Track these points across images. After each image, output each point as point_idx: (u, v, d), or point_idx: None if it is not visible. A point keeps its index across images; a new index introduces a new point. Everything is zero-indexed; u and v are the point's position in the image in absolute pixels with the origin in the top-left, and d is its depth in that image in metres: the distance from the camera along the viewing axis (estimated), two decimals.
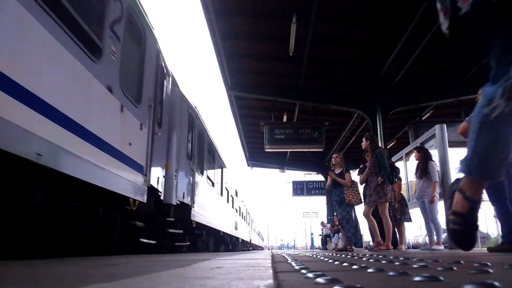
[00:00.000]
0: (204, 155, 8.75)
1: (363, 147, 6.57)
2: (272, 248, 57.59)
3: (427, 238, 7.11)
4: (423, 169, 6.54)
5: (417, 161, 6.77)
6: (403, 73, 9.36)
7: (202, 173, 8.29)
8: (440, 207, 6.64)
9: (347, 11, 7.60)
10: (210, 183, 9.50)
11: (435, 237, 6.60)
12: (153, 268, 1.80)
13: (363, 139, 6.57)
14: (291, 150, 14.53)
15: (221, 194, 11.54)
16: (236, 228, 15.69)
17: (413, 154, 7.13)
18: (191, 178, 7.21)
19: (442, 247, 6.61)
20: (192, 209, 7.07)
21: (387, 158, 6.64)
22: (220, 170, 11.52)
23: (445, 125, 6.87)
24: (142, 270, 1.67)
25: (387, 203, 6.02)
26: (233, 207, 14.98)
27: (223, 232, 11.91)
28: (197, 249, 8.67)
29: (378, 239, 6.16)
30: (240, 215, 18.07)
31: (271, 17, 7.87)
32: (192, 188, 7.22)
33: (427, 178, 6.48)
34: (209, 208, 9.10)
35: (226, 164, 12.99)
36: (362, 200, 6.61)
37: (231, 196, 14.59)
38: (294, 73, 10.03)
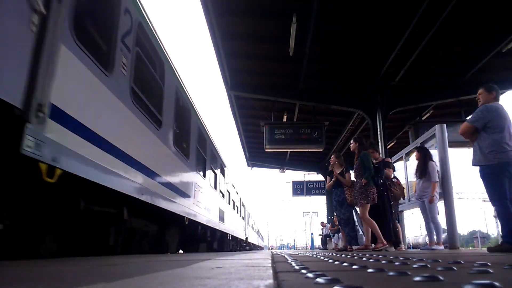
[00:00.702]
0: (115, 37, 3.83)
1: (351, 149, 6.56)
2: (272, 248, 57.63)
3: (427, 238, 7.11)
4: (423, 169, 6.54)
5: (417, 161, 6.77)
6: (403, 73, 9.36)
7: (108, 66, 3.62)
8: (440, 207, 6.65)
9: (347, 11, 7.59)
10: (149, 116, 4.71)
11: (435, 237, 6.60)
12: (153, 268, 1.80)
13: (352, 141, 6.54)
14: (291, 150, 14.53)
15: (187, 157, 6.78)
16: (222, 220, 11.07)
17: (414, 154, 7.13)
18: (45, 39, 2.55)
19: (442, 247, 6.62)
20: (29, 125, 2.37)
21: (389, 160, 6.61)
22: (181, 111, 6.63)
23: (445, 125, 6.87)
24: (142, 270, 1.67)
25: (368, 205, 6.05)
26: (216, 187, 10.18)
27: (192, 221, 7.01)
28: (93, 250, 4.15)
29: (367, 242, 6.16)
30: (230, 203, 13.55)
31: (271, 17, 7.86)
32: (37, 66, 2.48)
33: (427, 178, 6.49)
34: (148, 165, 4.59)
35: (200, 112, 8.07)
36: None
37: (212, 170, 9.73)
38: (294, 73, 10.03)
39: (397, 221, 7.66)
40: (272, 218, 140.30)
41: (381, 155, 9.23)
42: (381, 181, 6.41)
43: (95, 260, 2.75)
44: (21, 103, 2.34)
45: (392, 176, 7.41)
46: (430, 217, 6.51)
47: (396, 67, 9.25)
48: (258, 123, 12.05)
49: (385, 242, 5.97)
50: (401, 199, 7.88)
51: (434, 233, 6.58)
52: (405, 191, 8.15)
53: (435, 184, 6.41)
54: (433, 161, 6.60)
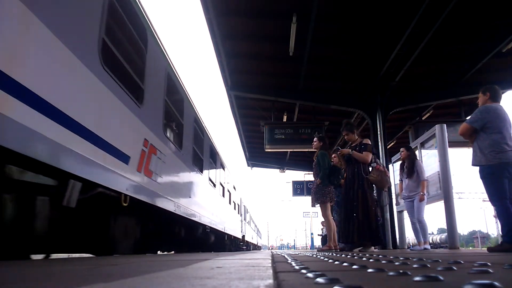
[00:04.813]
0: None
1: (313, 148, 6.53)
2: (272, 248, 57.75)
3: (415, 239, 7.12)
4: (411, 169, 6.68)
5: (403, 160, 6.89)
6: (403, 73, 9.36)
7: None
8: (439, 207, 6.70)
9: (347, 11, 7.59)
10: None
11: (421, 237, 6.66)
12: (153, 268, 1.79)
13: (316, 139, 6.49)
14: (291, 150, 14.51)
15: None
16: None
17: (401, 151, 7.11)
18: None
19: (428, 246, 6.71)
20: None
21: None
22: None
23: (445, 125, 6.88)
24: (142, 270, 1.67)
25: (328, 204, 6.03)
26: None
27: None
28: None
29: (330, 243, 6.17)
30: None
31: (271, 17, 7.85)
32: None
33: (415, 177, 6.63)
34: None
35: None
36: None
37: None
38: (294, 73, 10.02)
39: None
40: (272, 218, 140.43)
41: (382, 149, 9.20)
42: (341, 177, 6.04)
43: (95, 260, 2.75)
44: None
45: (372, 161, 5.75)
46: (416, 215, 6.56)
47: (396, 67, 9.25)
48: (258, 123, 12.04)
49: (332, 246, 6.02)
50: (386, 189, 6.25)
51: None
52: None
53: (424, 183, 6.53)
54: (418, 160, 6.79)
